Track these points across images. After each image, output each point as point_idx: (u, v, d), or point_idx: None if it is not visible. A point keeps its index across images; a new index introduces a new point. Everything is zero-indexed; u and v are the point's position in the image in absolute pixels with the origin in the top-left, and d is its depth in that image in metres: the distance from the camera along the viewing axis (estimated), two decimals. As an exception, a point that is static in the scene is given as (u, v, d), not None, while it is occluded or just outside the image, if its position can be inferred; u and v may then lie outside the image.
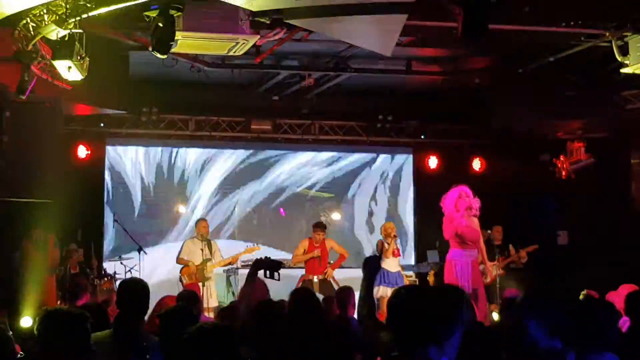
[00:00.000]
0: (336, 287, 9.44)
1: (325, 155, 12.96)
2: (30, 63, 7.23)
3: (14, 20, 6.69)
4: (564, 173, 11.15)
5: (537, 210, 11.88)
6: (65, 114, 10.12)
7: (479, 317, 6.86)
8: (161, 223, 12.32)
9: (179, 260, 10.38)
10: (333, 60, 10.37)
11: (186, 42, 7.07)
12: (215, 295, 10.35)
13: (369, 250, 12.28)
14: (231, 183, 12.66)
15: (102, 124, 11.68)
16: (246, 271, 4.68)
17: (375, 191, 13.12)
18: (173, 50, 6.59)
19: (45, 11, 6.45)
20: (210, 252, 10.31)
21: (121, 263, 10.76)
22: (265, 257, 4.48)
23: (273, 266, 4.43)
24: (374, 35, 7.08)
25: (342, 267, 11.39)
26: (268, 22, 7.34)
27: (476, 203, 8.83)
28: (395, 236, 10.51)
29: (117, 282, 9.73)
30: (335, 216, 12.87)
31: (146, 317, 4.58)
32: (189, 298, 5.48)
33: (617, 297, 5.65)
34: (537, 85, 10.26)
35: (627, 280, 6.17)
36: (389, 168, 13.26)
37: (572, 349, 2.82)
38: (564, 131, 11.54)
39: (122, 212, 11.84)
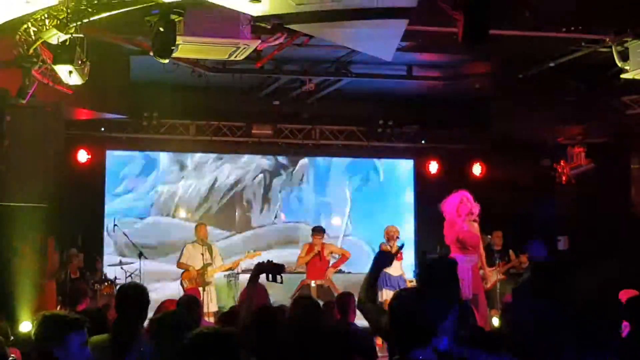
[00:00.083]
0: (335, 293, 9.45)
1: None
2: (31, 67, 7.24)
3: (15, 25, 6.70)
4: (564, 178, 11.15)
5: (537, 215, 11.88)
6: (66, 119, 10.12)
7: (480, 323, 6.85)
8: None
9: (179, 264, 10.37)
10: (334, 65, 10.38)
11: (187, 47, 7.08)
12: (215, 300, 10.35)
13: (368, 255, 12.26)
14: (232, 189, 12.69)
15: (102, 129, 11.68)
16: (247, 276, 4.68)
17: (375, 196, 13.12)
18: (174, 54, 6.60)
19: (46, 16, 6.46)
20: (211, 257, 10.31)
21: (121, 268, 10.76)
22: (268, 261, 4.47)
23: (275, 270, 4.43)
24: (374, 40, 7.09)
25: (342, 271, 11.40)
26: (269, 27, 7.35)
27: (476, 208, 8.84)
28: (397, 238, 10.51)
29: (118, 287, 9.71)
30: (335, 221, 12.87)
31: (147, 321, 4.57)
32: (190, 303, 5.47)
33: (618, 302, 5.65)
34: (538, 91, 10.26)
35: (627, 285, 6.16)
36: (389, 173, 13.26)
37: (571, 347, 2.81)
38: (564, 136, 11.54)
39: (122, 217, 11.84)
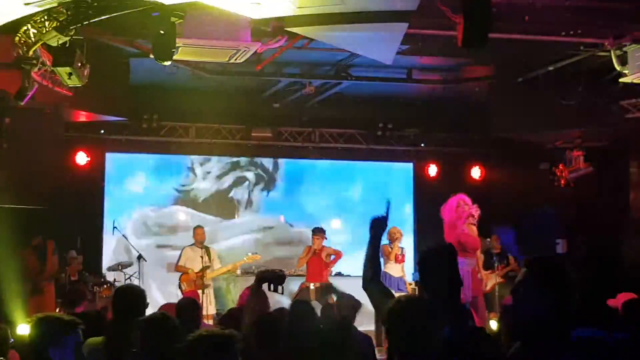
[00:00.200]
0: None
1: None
2: (30, 69, 7.24)
3: (14, 26, 6.70)
4: (563, 182, 11.16)
5: (536, 219, 11.89)
6: (65, 121, 10.13)
7: (479, 325, 6.85)
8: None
9: (177, 267, 10.36)
10: (334, 68, 10.40)
11: (187, 50, 7.08)
12: (214, 303, 10.35)
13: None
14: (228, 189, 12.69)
15: (102, 131, 11.67)
16: (246, 278, 4.69)
17: (374, 199, 13.11)
18: (174, 57, 6.60)
19: (46, 17, 6.46)
20: (209, 259, 10.31)
21: (121, 270, 10.75)
22: (269, 270, 4.49)
23: (277, 280, 4.43)
24: (374, 43, 7.10)
25: (341, 274, 11.41)
26: (269, 30, 7.36)
27: (476, 211, 8.84)
28: (397, 238, 10.50)
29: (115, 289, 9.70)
30: (335, 224, 12.87)
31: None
32: (189, 305, 5.45)
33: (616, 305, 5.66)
34: (537, 94, 10.28)
35: (625, 288, 6.17)
36: (388, 176, 13.26)
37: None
38: (563, 140, 11.55)
39: (122, 219, 11.83)
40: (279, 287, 4.43)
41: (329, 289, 9.62)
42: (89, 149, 11.57)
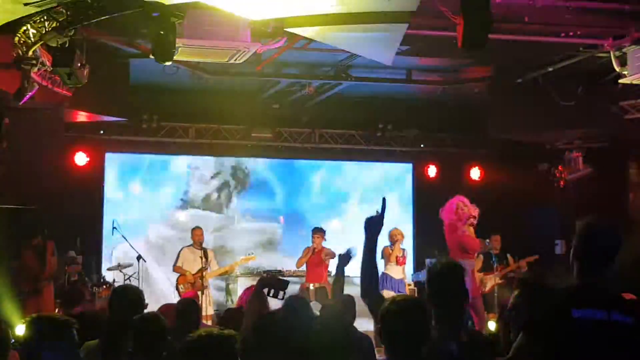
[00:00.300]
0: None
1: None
2: (30, 70, 7.23)
3: (14, 26, 6.70)
4: (562, 183, 11.16)
5: (535, 220, 11.89)
6: (65, 121, 10.12)
7: (478, 327, 6.86)
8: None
9: (175, 268, 10.36)
10: (333, 69, 10.40)
11: (187, 50, 7.08)
12: (212, 304, 10.35)
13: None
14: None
15: (101, 131, 11.67)
16: (244, 279, 4.69)
17: (374, 200, 13.10)
18: (174, 57, 6.61)
19: (45, 18, 6.47)
20: (207, 261, 10.30)
21: (120, 271, 10.74)
22: (272, 276, 4.48)
23: (279, 285, 4.43)
24: (374, 44, 7.11)
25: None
26: (269, 30, 7.36)
27: (476, 212, 8.84)
28: (399, 240, 10.50)
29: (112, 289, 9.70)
30: (335, 225, 12.86)
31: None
32: (189, 306, 5.45)
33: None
34: (536, 95, 10.28)
35: (625, 289, 6.16)
36: (388, 177, 13.27)
37: None
38: (563, 141, 11.56)
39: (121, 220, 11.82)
40: (280, 293, 4.41)
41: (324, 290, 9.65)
42: (88, 149, 11.56)
